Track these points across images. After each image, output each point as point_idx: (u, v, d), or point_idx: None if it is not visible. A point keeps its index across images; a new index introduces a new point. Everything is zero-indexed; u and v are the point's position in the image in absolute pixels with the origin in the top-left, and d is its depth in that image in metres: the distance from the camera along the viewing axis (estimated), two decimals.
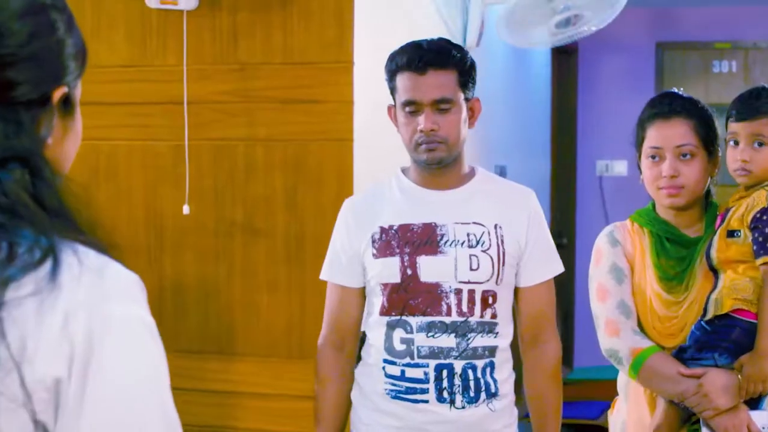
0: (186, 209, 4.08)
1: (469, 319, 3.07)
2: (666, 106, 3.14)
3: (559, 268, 3.25)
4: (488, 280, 3.09)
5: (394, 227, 3.13)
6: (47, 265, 1.25)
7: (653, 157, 3.12)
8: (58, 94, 1.40)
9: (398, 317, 3.10)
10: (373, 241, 3.14)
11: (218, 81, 4.09)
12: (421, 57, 3.06)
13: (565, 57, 8.50)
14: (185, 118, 4.08)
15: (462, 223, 3.11)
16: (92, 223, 1.35)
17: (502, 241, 3.11)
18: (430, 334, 3.07)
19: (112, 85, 4.18)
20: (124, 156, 4.21)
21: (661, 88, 8.48)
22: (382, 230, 3.14)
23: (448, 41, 3.17)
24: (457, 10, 4.92)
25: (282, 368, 4.07)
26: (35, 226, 1.28)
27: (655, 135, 3.12)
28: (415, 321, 3.08)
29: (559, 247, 9.16)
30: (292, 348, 4.05)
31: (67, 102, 1.42)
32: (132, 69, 4.19)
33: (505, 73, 6.67)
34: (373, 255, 3.14)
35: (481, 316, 3.08)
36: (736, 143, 3.07)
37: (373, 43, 4.08)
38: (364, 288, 3.22)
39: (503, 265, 3.11)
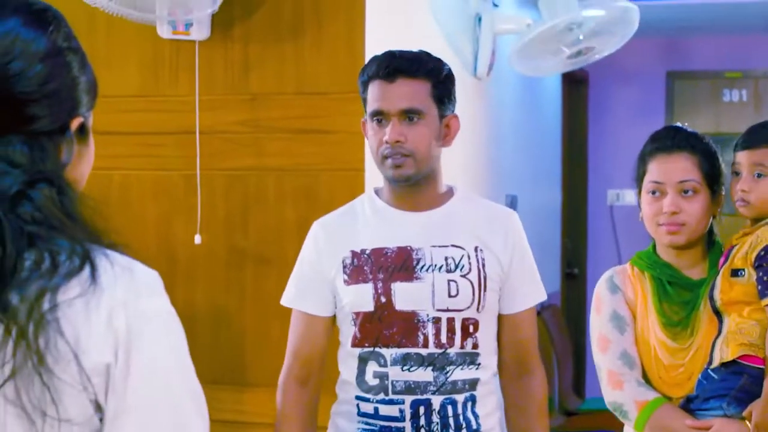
0: (198, 239, 4.09)
1: (448, 350, 2.83)
2: (669, 140, 3.03)
3: (542, 295, 3.04)
4: (468, 307, 2.86)
5: (367, 251, 2.89)
6: (86, 269, 1.49)
7: (654, 192, 3.01)
8: (75, 124, 1.62)
9: (371, 349, 2.86)
10: (344, 267, 2.91)
11: (230, 111, 4.10)
12: (391, 64, 2.87)
13: (575, 86, 8.51)
14: (197, 148, 4.10)
15: (440, 246, 2.88)
16: (106, 229, 1.60)
17: (483, 265, 2.88)
18: (405, 367, 2.83)
19: (125, 115, 4.20)
20: (136, 185, 4.22)
21: (671, 118, 8.48)
22: (354, 254, 2.91)
23: (425, 53, 2.97)
24: (468, 40, 4.93)
25: None
26: (68, 236, 1.50)
27: (656, 169, 3.01)
28: (389, 353, 2.84)
29: (570, 276, 9.12)
30: None
31: (82, 130, 1.64)
32: (144, 99, 4.21)
33: (516, 102, 6.68)
34: (345, 281, 2.90)
35: (462, 347, 2.85)
36: (738, 174, 3.01)
37: None
38: (332, 317, 2.99)
39: (485, 290, 2.87)
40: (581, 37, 4.83)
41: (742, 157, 3.00)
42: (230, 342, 4.12)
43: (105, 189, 4.21)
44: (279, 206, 4.06)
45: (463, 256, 2.88)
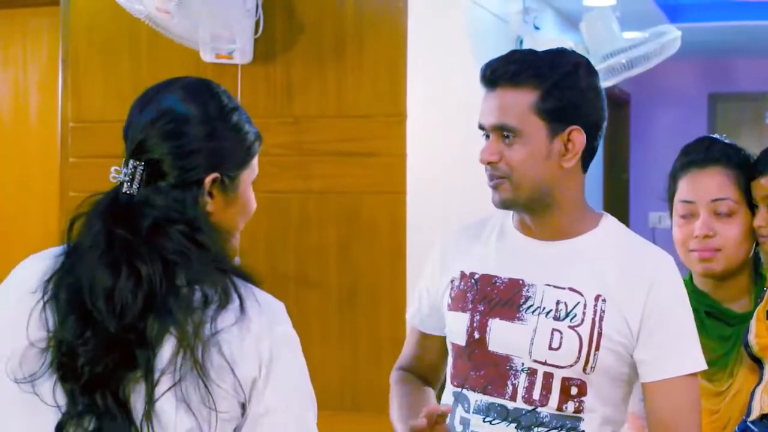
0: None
1: (539, 409, 2.33)
2: (702, 152, 2.63)
3: (693, 364, 2.34)
4: (571, 366, 2.32)
5: (476, 275, 2.45)
6: (236, 302, 1.87)
7: (684, 214, 2.61)
8: (208, 180, 1.94)
9: (460, 389, 2.44)
10: (452, 288, 2.49)
11: (272, 134, 4.11)
12: (494, 69, 2.37)
13: (617, 108, 8.49)
14: None
15: (554, 287, 2.37)
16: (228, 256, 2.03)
17: (601, 318, 2.32)
18: (487, 418, 2.38)
19: None
20: None
21: None
22: (463, 276, 2.47)
23: (556, 51, 2.42)
24: None
25: (335, 420, 4.05)
26: (198, 261, 1.88)
27: (687, 187, 2.61)
28: (474, 398, 2.40)
29: None
30: (345, 400, 4.03)
31: (222, 183, 1.97)
32: None
33: None
34: (448, 305, 2.49)
35: (559, 409, 2.32)
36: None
37: (426, 96, 4.09)
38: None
39: (596, 349, 2.31)
40: (624, 62, 4.82)
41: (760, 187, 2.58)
42: None
43: None
44: (321, 229, 4.07)
45: (578, 303, 2.34)
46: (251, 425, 1.88)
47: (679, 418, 2.32)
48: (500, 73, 2.34)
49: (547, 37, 5.29)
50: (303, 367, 1.99)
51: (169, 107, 1.94)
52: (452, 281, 2.49)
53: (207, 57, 4.03)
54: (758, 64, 8.54)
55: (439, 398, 2.60)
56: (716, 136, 2.76)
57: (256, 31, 4.05)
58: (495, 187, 2.37)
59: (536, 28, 5.19)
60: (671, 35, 4.81)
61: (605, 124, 2.46)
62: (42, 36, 5.35)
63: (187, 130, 1.93)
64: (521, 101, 2.32)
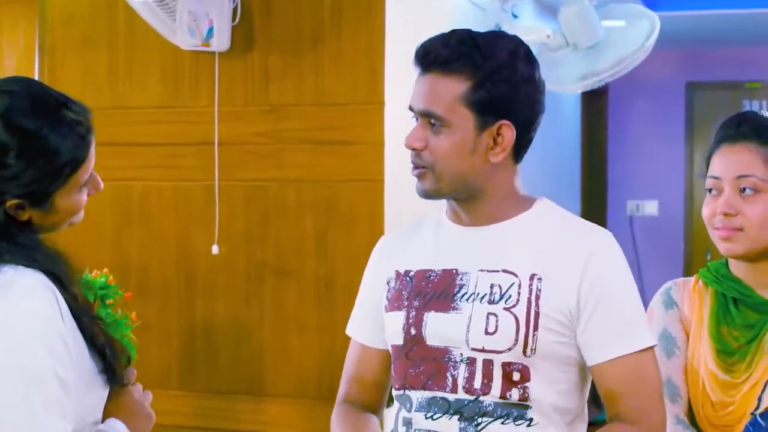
0: (215, 249, 4.10)
1: (482, 398, 2.21)
2: (732, 128, 2.48)
3: (641, 340, 2.23)
4: (509, 349, 2.20)
5: (411, 273, 2.34)
6: None
7: (711, 189, 2.46)
8: (8, 205, 1.97)
9: (402, 391, 2.31)
10: (388, 289, 2.38)
11: (250, 122, 4.11)
12: (427, 52, 2.26)
13: (595, 98, 8.50)
14: (215, 159, 4.10)
15: (488, 271, 2.25)
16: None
17: (537, 297, 2.21)
18: (428, 414, 2.25)
19: (145, 126, 4.21)
20: (155, 196, 4.23)
21: (691, 128, 8.48)
22: (398, 276, 2.37)
23: (495, 35, 2.28)
24: None
25: (312, 409, 4.06)
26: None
27: (716, 162, 2.46)
28: (415, 396, 2.28)
29: None
30: (323, 389, 4.04)
31: (32, 203, 1.99)
32: (164, 110, 4.22)
33: None
34: (385, 307, 2.37)
35: (503, 397, 2.20)
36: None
37: (404, 84, 4.08)
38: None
39: (535, 329, 2.20)
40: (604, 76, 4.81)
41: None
42: (249, 353, 4.12)
43: (126, 200, 4.22)
44: (299, 218, 4.07)
45: (513, 284, 2.23)
46: None
47: (631, 388, 2.20)
48: (433, 57, 2.23)
49: (525, 25, 5.29)
50: (23, 346, 1.89)
51: None
52: (388, 282, 2.38)
53: (184, 44, 4.01)
54: (735, 52, 8.57)
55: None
56: (754, 111, 2.60)
57: (234, 19, 4.04)
58: (418, 177, 2.26)
59: (514, 16, 5.18)
60: (645, 34, 4.79)
61: (540, 117, 2.34)
62: (18, 25, 5.33)
63: None
64: (451, 90, 2.21)
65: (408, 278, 2.33)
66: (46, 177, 1.99)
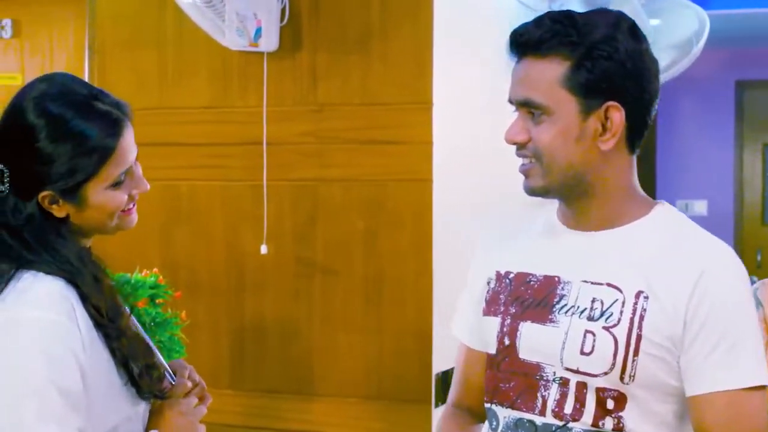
0: (264, 249, 4.11)
1: (571, 424, 2.01)
2: None
3: (749, 377, 1.96)
4: (606, 373, 1.99)
5: (511, 275, 2.16)
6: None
7: None
8: (41, 197, 2.00)
9: (490, 405, 2.15)
10: (487, 290, 2.21)
11: (297, 122, 4.12)
12: (519, 35, 2.08)
13: None
14: (264, 159, 4.11)
15: (591, 283, 2.04)
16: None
17: (641, 318, 1.98)
18: None
19: (193, 126, 4.23)
20: (204, 196, 4.25)
21: (740, 127, 8.41)
22: (498, 277, 2.19)
23: (595, 12, 2.09)
24: None
25: (360, 408, 4.06)
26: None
27: None
28: (502, 414, 2.11)
29: None
30: (371, 388, 4.04)
31: (64, 196, 2.01)
32: (213, 110, 4.23)
33: None
34: (483, 311, 2.20)
35: (595, 425, 2.00)
36: None
37: (451, 84, 4.08)
38: None
39: (635, 354, 1.97)
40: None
41: None
42: (297, 352, 4.13)
43: (173, 199, 4.24)
44: (346, 217, 4.07)
45: (616, 301, 2.01)
46: None
47: (727, 429, 1.95)
48: (525, 40, 2.05)
49: None
50: (22, 354, 1.90)
51: (20, 113, 2.03)
52: (488, 283, 2.20)
53: (232, 44, 4.03)
54: None
55: None
56: None
57: (282, 19, 4.05)
58: (525, 173, 2.07)
59: None
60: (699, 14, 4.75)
61: (655, 98, 2.10)
62: (69, 24, 5.37)
63: (20, 149, 2.01)
64: (548, 74, 2.01)
65: (507, 280, 2.16)
66: (74, 161, 2.00)
